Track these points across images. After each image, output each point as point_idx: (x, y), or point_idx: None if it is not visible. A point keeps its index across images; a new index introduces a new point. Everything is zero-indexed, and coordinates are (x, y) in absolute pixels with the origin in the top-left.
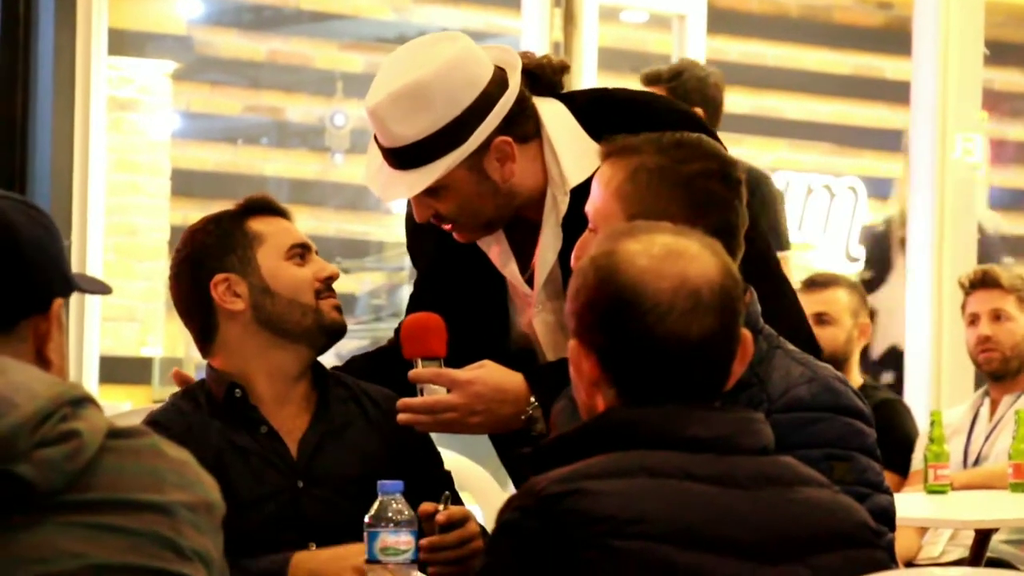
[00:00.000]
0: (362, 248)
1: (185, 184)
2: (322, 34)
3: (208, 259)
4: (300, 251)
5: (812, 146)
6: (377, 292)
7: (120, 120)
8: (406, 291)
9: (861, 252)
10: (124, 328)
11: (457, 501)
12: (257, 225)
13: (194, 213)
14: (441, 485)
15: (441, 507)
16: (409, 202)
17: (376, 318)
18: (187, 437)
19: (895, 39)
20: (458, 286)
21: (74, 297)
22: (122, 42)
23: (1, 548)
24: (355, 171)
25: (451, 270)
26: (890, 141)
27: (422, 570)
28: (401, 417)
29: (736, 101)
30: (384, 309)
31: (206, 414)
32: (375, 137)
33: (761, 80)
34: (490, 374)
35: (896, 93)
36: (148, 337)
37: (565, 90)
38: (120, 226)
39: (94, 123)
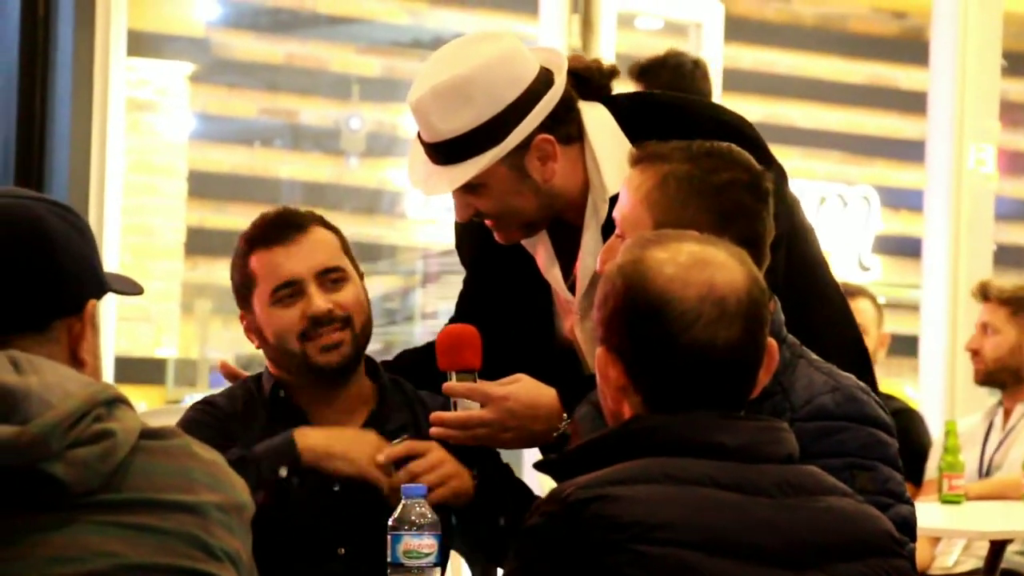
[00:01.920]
0: (376, 252)
1: (201, 186)
2: (338, 38)
3: (235, 293)
4: (287, 291)
5: (825, 155)
6: (391, 296)
7: (137, 121)
8: (419, 295)
9: (875, 262)
10: (139, 329)
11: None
12: (255, 263)
13: (210, 215)
14: (500, 480)
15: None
16: None
17: (390, 322)
18: (234, 419)
19: (910, 48)
20: (505, 287)
21: None
22: (140, 44)
23: (34, 547)
24: (370, 175)
25: (498, 270)
26: (903, 151)
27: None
28: (434, 431)
29: (749, 109)
30: (398, 313)
31: (259, 405)
32: (418, 132)
33: (775, 88)
34: (524, 390)
35: (910, 103)
36: (163, 338)
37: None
38: (137, 227)
39: (112, 124)
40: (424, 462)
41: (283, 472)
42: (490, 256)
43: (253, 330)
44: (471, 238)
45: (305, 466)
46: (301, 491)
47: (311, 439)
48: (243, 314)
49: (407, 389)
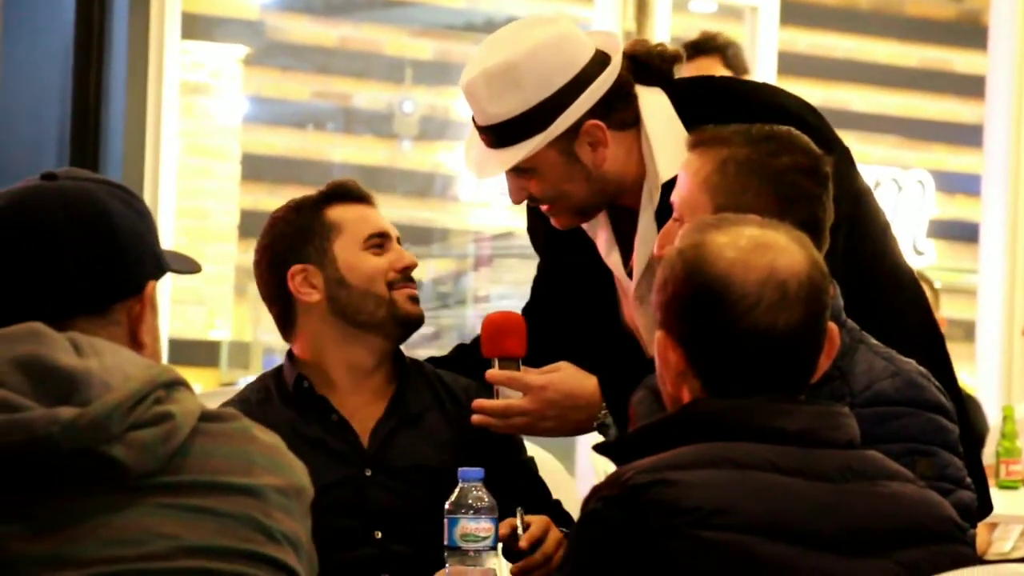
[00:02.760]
0: (428, 235)
1: (255, 169)
2: (392, 21)
3: (286, 249)
4: (378, 240)
5: (880, 139)
6: (443, 279)
7: (191, 104)
8: (472, 278)
9: (929, 246)
10: (192, 311)
11: (542, 487)
12: (335, 214)
13: (263, 198)
14: (521, 474)
15: (519, 529)
16: None
17: (443, 305)
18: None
19: (966, 32)
20: (573, 272)
21: None
22: (194, 26)
23: (94, 529)
24: (423, 158)
25: (567, 255)
26: (960, 135)
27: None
28: (475, 419)
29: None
30: (450, 296)
31: (277, 403)
32: (472, 116)
33: (830, 72)
34: (564, 379)
35: (966, 86)
36: (216, 320)
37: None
38: (191, 210)
39: (166, 107)
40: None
41: None
42: (559, 241)
43: (311, 282)
44: (543, 223)
45: None
46: (332, 474)
47: None
48: (298, 267)
49: (427, 371)
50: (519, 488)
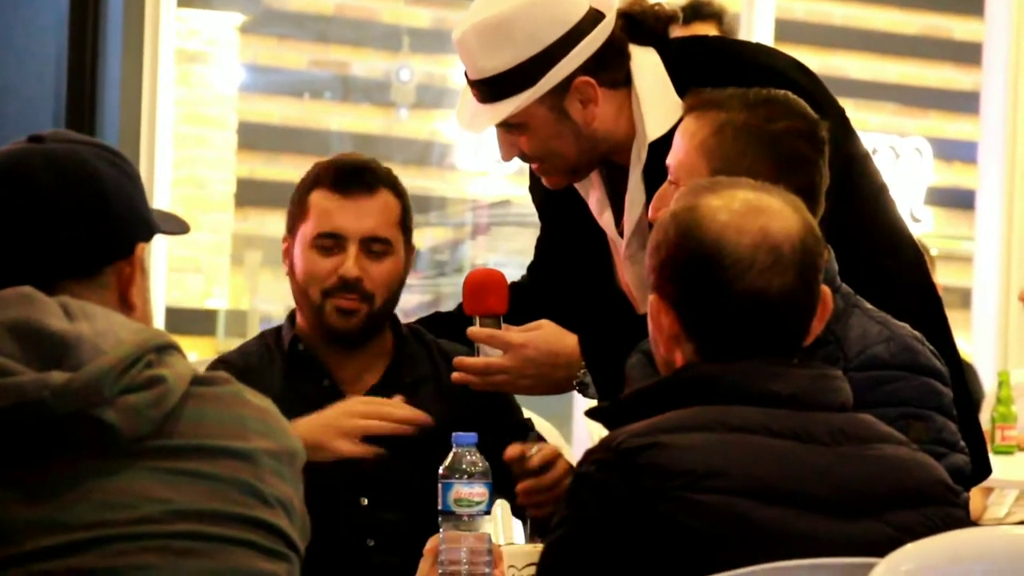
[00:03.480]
0: (426, 203)
1: (251, 137)
2: None
3: (288, 215)
4: (328, 242)
5: (878, 106)
6: (440, 248)
7: (188, 73)
8: (469, 247)
9: (926, 213)
10: (189, 280)
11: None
12: (314, 198)
13: (260, 166)
14: (519, 435)
15: (533, 449)
16: None
17: (440, 273)
18: (247, 377)
19: None
20: (570, 230)
21: None
22: None
23: (87, 493)
24: (420, 126)
25: (564, 214)
26: (958, 102)
27: (521, 514)
28: (454, 376)
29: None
30: (447, 265)
31: (276, 362)
32: (465, 71)
33: (828, 39)
34: (544, 337)
35: (964, 54)
36: (213, 289)
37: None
38: (187, 179)
39: (162, 75)
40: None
41: None
42: (556, 200)
43: (288, 257)
44: (541, 182)
45: None
46: None
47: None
48: (286, 237)
49: (427, 340)
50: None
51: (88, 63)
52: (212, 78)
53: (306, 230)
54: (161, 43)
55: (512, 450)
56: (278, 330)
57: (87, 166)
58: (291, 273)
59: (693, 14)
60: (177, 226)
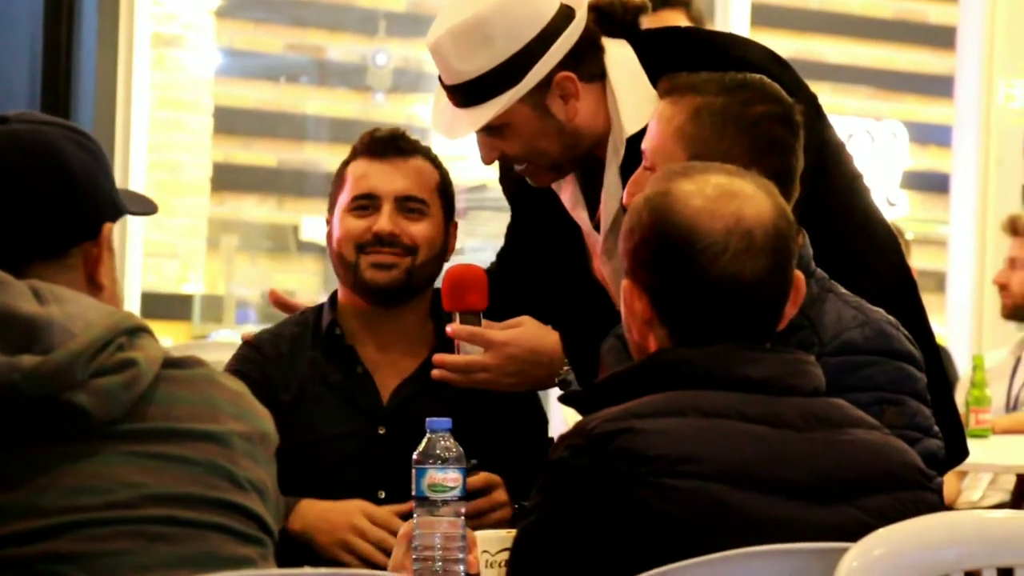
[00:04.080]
0: None
1: (227, 121)
2: None
3: (329, 197)
4: (363, 202)
5: (853, 90)
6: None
7: (163, 56)
8: None
9: (902, 197)
10: (165, 265)
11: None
12: (352, 169)
13: (236, 151)
14: (537, 432)
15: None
16: None
17: None
18: (276, 363)
19: None
20: (543, 223)
21: (116, 234)
22: None
23: (60, 477)
24: (397, 111)
25: (536, 206)
26: (933, 86)
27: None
28: (434, 373)
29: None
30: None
31: (308, 342)
32: (439, 75)
33: (803, 23)
34: (526, 335)
35: (939, 37)
36: (189, 274)
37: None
38: (163, 163)
39: (138, 60)
40: (486, 501)
41: None
42: (528, 191)
43: (330, 234)
44: (512, 172)
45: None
46: (344, 425)
47: (295, 522)
48: (328, 218)
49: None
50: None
51: (63, 47)
52: (188, 62)
53: (343, 199)
54: (136, 27)
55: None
56: (320, 308)
57: (52, 147)
58: (330, 246)
59: (661, 2)
60: (145, 206)
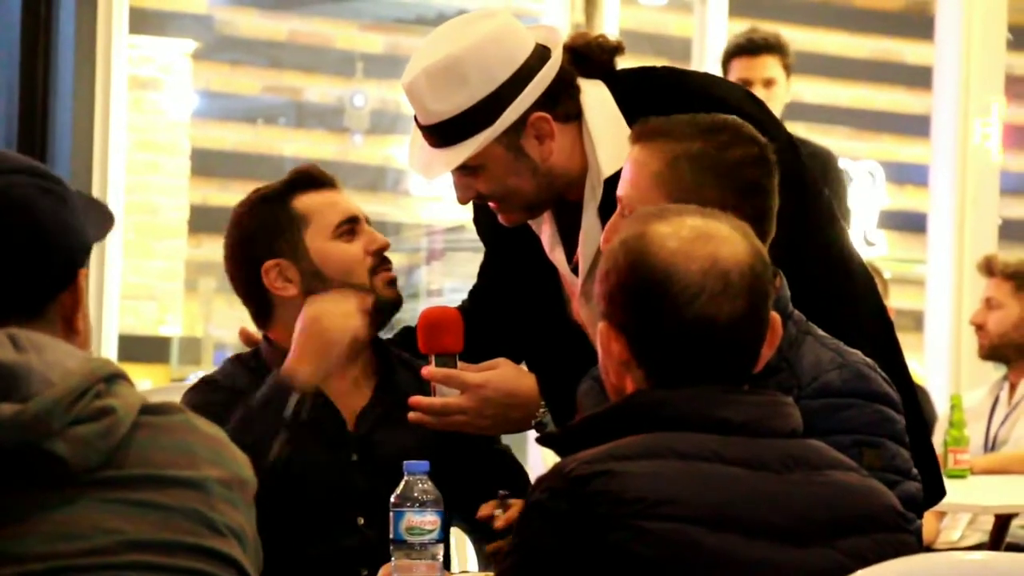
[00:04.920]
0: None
1: (205, 164)
2: (342, 15)
3: (257, 245)
4: (348, 226)
5: (831, 130)
6: (396, 273)
7: (140, 99)
8: (424, 272)
9: (879, 237)
10: (143, 307)
11: (523, 474)
12: (302, 203)
13: (214, 193)
14: (501, 464)
15: (498, 511)
16: None
17: None
18: (237, 398)
19: (915, 23)
20: (518, 264)
21: (93, 276)
22: (143, 21)
23: (37, 524)
24: (374, 152)
25: (511, 247)
26: (909, 125)
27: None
28: (411, 416)
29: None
30: (403, 290)
31: (262, 379)
32: (415, 115)
33: None
34: (502, 377)
35: (916, 77)
36: (167, 316)
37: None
38: (140, 205)
39: (114, 102)
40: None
41: (288, 411)
42: (504, 232)
43: (285, 276)
44: (487, 213)
45: (306, 391)
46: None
47: (291, 364)
48: (271, 263)
49: (408, 360)
50: (500, 475)
51: (40, 89)
52: (165, 105)
53: (319, 229)
54: (113, 69)
55: (484, 509)
56: (255, 352)
57: (23, 202)
58: (310, 285)
59: (759, 48)
60: (105, 226)
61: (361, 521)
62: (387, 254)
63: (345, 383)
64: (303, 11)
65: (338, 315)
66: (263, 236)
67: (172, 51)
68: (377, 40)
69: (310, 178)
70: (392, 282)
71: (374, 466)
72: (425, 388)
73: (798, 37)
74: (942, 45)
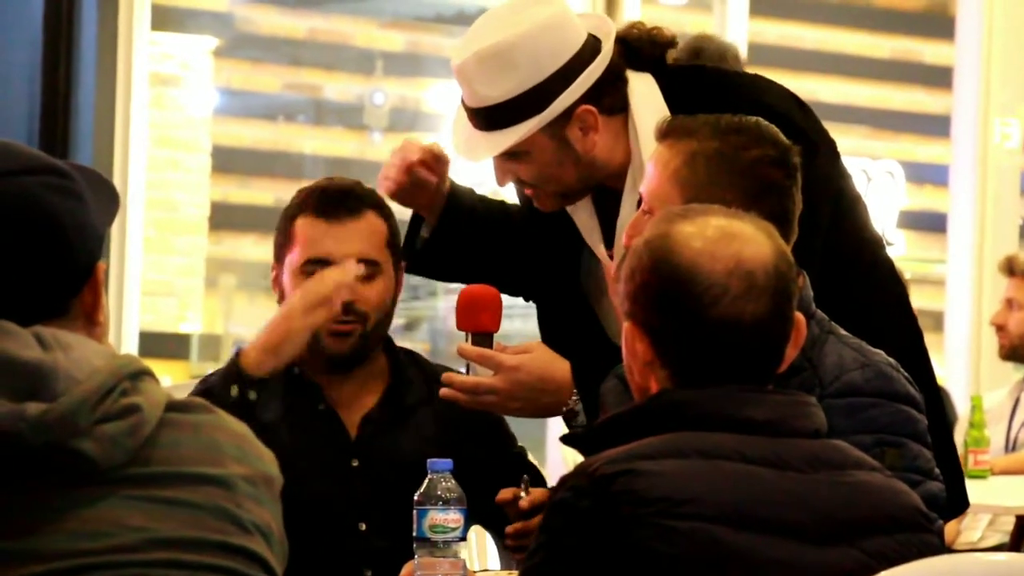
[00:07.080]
0: (399, 225)
1: (225, 161)
2: (362, 12)
3: (274, 246)
4: (318, 268)
5: (850, 129)
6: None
7: (161, 96)
8: None
9: (899, 237)
10: (163, 304)
11: (538, 475)
12: (299, 226)
13: (233, 190)
14: (515, 465)
15: (522, 492)
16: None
17: (413, 296)
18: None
19: (934, 23)
20: (559, 247)
21: (114, 273)
22: (164, 18)
23: (64, 523)
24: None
25: (551, 230)
26: (929, 125)
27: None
28: (443, 392)
29: None
30: (420, 288)
31: (270, 385)
32: (462, 96)
33: (800, 63)
34: (536, 361)
35: (935, 77)
36: (187, 313)
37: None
38: (160, 202)
39: (136, 99)
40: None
41: (234, 391)
42: (544, 218)
43: (278, 282)
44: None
45: (255, 376)
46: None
47: (248, 349)
48: (274, 265)
49: (423, 363)
50: (516, 480)
51: (62, 86)
52: (185, 101)
53: (293, 258)
54: (134, 66)
55: (504, 493)
56: None
57: (42, 207)
58: (281, 300)
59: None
60: (111, 209)
61: (363, 527)
62: None
63: (351, 388)
64: (323, 9)
65: (299, 309)
66: (276, 236)
67: (193, 48)
68: (397, 38)
69: (315, 202)
70: (338, 334)
71: (375, 471)
72: (430, 386)
73: (817, 36)
74: (963, 45)
